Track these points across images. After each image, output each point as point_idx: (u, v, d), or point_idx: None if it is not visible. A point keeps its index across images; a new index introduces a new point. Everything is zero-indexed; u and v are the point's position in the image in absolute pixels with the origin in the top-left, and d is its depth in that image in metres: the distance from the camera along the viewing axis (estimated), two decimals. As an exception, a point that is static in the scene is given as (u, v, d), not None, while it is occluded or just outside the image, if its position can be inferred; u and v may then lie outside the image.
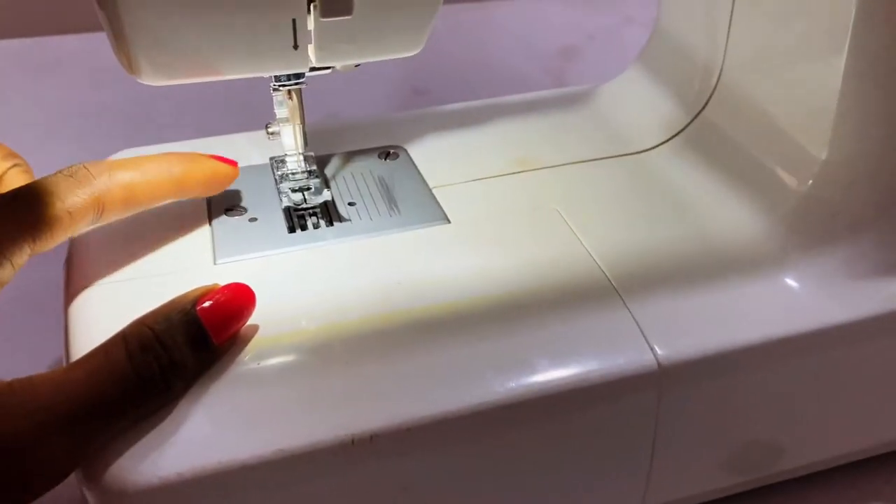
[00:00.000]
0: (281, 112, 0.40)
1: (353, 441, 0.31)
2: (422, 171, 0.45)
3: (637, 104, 0.50)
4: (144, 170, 0.36)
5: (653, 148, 0.47)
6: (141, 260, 0.38)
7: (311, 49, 0.35)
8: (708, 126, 0.46)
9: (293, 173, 0.41)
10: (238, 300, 0.33)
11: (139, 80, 0.34)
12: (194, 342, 0.31)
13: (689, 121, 0.47)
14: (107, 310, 0.36)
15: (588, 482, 0.37)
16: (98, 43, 0.87)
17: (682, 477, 0.39)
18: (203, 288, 0.33)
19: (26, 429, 0.27)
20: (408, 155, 0.46)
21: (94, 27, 0.89)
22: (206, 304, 0.32)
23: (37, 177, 0.37)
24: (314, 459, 0.31)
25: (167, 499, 0.30)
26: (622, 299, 0.37)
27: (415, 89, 0.82)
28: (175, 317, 0.31)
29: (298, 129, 0.40)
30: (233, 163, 0.39)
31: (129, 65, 0.33)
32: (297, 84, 0.38)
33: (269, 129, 0.41)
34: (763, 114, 0.42)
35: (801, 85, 0.40)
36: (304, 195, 0.41)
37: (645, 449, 0.37)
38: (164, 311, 0.31)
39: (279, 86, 0.38)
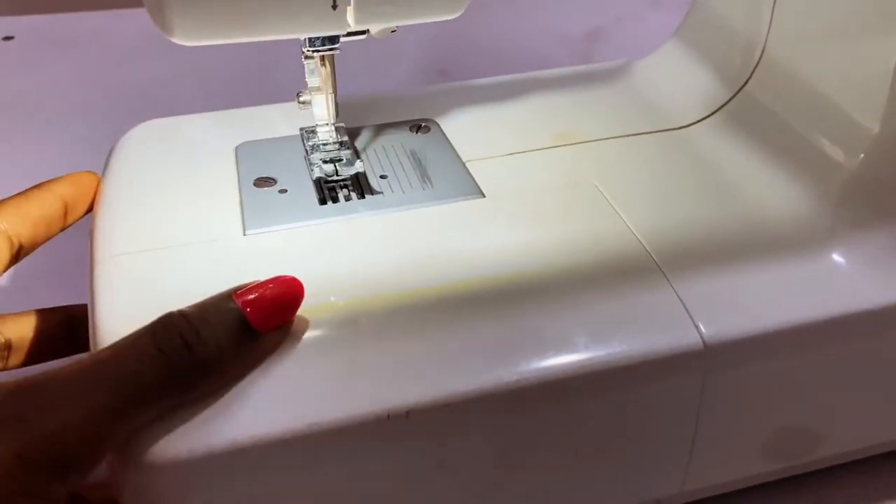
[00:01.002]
0: (312, 80, 0.39)
1: (388, 416, 0.30)
2: (454, 144, 0.43)
3: (676, 79, 0.48)
4: (25, 211, 0.37)
5: (692, 124, 0.45)
6: (168, 230, 0.37)
7: (349, 10, 0.33)
8: (750, 101, 0.44)
9: (324, 144, 0.40)
10: (284, 291, 0.31)
11: (172, 39, 0.32)
12: (231, 326, 0.30)
13: (730, 96, 0.45)
14: (132, 279, 0.35)
15: (627, 464, 0.36)
16: (116, 20, 0.87)
17: (723, 461, 0.38)
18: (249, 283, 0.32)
19: (68, 418, 0.26)
20: (440, 128, 0.45)
21: (112, 4, 0.88)
22: (250, 296, 0.30)
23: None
24: (348, 435, 0.30)
25: (200, 474, 0.29)
26: (666, 277, 0.36)
27: (440, 71, 0.80)
28: (209, 302, 0.30)
29: (331, 98, 0.39)
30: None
31: (163, 22, 0.32)
32: (330, 50, 0.37)
33: (301, 99, 0.40)
34: (810, 88, 0.41)
35: (853, 58, 0.39)
36: (335, 166, 0.40)
37: (687, 430, 0.35)
38: (201, 302, 0.30)
39: (312, 51, 0.37)
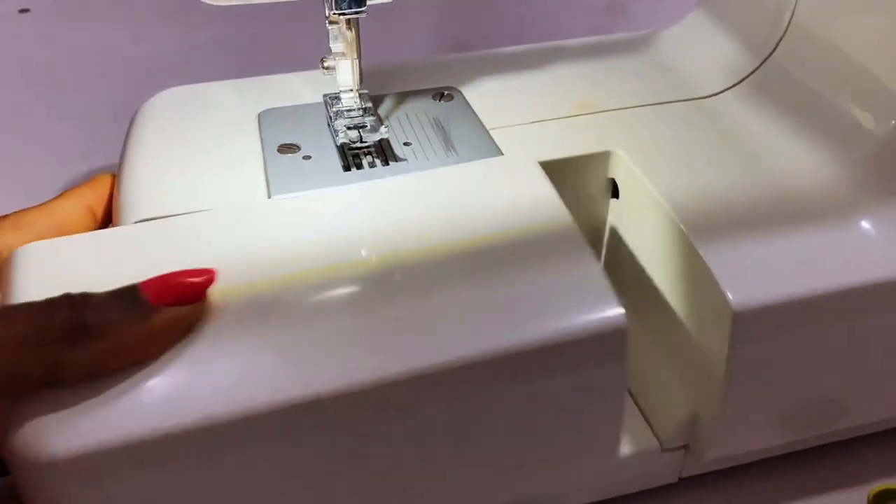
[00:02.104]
0: (337, 46, 0.39)
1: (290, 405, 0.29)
2: (478, 112, 0.43)
3: (701, 49, 0.48)
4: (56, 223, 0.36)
5: (718, 94, 0.45)
6: (193, 196, 0.37)
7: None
8: (778, 70, 0.44)
9: (348, 110, 0.40)
10: (188, 273, 0.30)
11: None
12: (119, 293, 0.29)
13: (757, 65, 0.45)
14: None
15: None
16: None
17: (747, 430, 0.38)
18: None
19: None
20: (462, 97, 0.44)
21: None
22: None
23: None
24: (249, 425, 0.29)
25: (99, 468, 0.27)
26: (693, 244, 0.35)
27: (458, 43, 0.80)
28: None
29: (355, 63, 0.39)
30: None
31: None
32: (357, 13, 0.37)
33: (325, 64, 0.39)
34: (840, 54, 0.40)
35: (885, 23, 0.38)
36: (359, 133, 0.39)
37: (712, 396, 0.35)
38: None
39: (339, 14, 0.36)
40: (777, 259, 0.35)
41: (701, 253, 0.35)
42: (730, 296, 0.33)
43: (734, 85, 0.45)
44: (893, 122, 0.37)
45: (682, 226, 0.36)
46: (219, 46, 0.77)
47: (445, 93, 0.44)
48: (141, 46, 0.78)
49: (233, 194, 0.37)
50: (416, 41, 0.79)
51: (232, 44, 0.77)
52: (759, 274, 0.35)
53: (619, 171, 0.40)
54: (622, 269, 0.43)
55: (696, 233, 0.36)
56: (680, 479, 0.40)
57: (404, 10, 0.74)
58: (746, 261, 0.35)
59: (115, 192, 0.39)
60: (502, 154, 0.40)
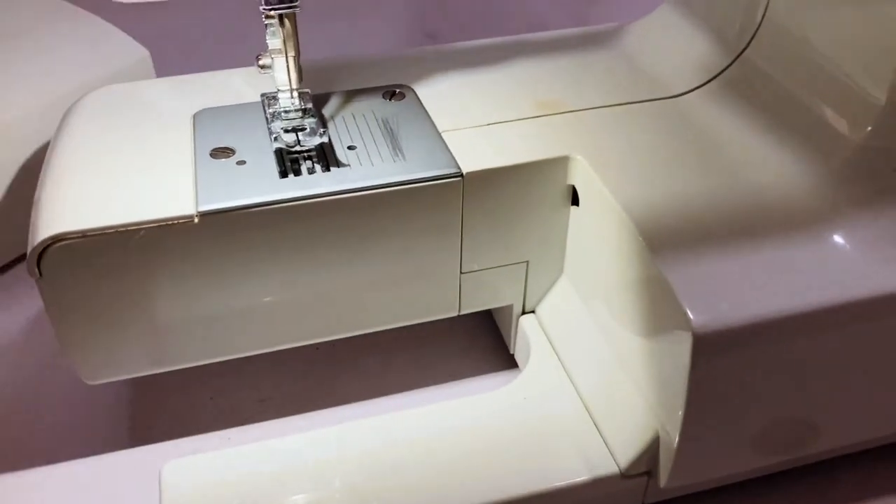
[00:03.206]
0: (273, 42, 0.36)
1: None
2: (430, 113, 0.40)
3: (670, 45, 0.45)
4: None
5: (687, 92, 0.42)
6: (114, 206, 0.34)
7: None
8: (750, 68, 0.41)
9: (286, 111, 0.37)
10: None
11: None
12: None
13: (728, 63, 0.42)
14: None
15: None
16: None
17: (711, 455, 0.35)
18: None
19: None
20: (415, 95, 0.41)
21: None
22: None
23: None
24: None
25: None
26: (654, 259, 0.33)
27: (427, 33, 0.77)
28: None
29: (292, 61, 0.36)
30: None
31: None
32: (290, 7, 0.34)
33: (260, 62, 0.36)
34: (814, 54, 0.38)
35: (861, 23, 0.35)
36: (297, 136, 0.37)
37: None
38: None
39: (270, 9, 0.34)
40: (744, 276, 0.33)
41: (661, 269, 0.32)
42: (691, 316, 0.31)
43: (705, 83, 0.42)
44: (869, 128, 0.35)
45: (641, 239, 0.34)
46: (176, 38, 0.73)
47: (397, 91, 0.42)
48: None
49: (155, 205, 0.34)
50: (382, 32, 0.76)
51: (190, 35, 0.74)
52: (724, 292, 0.32)
53: (579, 177, 0.38)
54: (584, 282, 0.40)
55: (657, 246, 0.33)
56: (642, 505, 0.38)
57: (371, 3, 0.71)
58: (711, 277, 0.32)
59: (35, 199, 0.36)
60: (455, 162, 0.37)
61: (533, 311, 0.43)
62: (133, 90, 0.42)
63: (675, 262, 0.33)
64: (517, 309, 0.43)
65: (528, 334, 0.42)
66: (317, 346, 0.44)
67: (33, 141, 0.50)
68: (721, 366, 0.32)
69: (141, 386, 0.44)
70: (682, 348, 0.32)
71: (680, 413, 0.33)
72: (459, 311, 0.41)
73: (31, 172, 0.50)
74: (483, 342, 0.47)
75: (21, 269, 0.52)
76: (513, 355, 0.45)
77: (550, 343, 0.41)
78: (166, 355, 0.38)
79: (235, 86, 0.42)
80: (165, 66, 0.58)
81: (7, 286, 0.51)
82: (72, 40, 0.54)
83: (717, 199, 0.36)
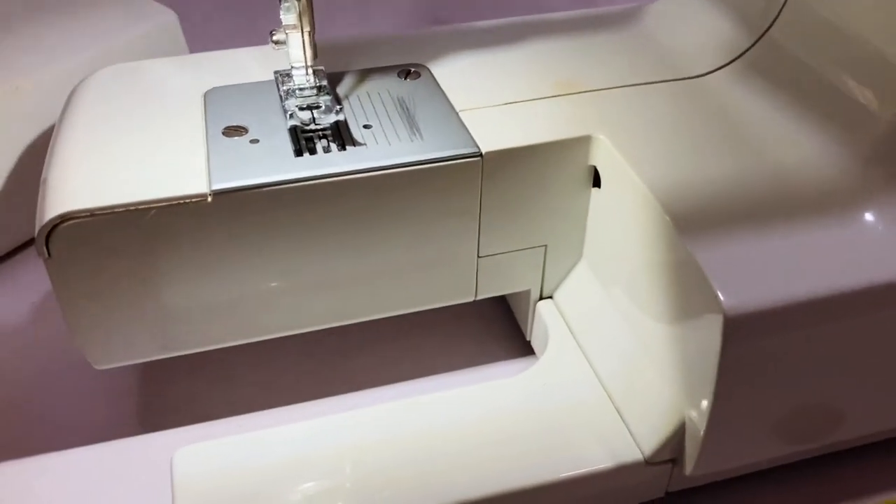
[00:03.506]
0: (288, 18, 0.35)
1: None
2: (447, 92, 0.39)
3: (690, 25, 0.44)
4: None
5: (709, 73, 0.41)
6: (125, 183, 0.33)
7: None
8: (774, 48, 0.40)
9: (300, 89, 0.36)
10: None
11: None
12: None
13: (751, 42, 0.41)
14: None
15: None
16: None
17: (738, 442, 0.34)
18: None
19: None
20: (431, 74, 0.40)
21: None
22: None
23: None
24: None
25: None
26: (682, 240, 0.32)
27: (437, 19, 0.75)
28: None
29: (307, 36, 0.35)
30: None
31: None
32: (306, -20, 0.33)
33: (274, 38, 0.35)
34: (842, 31, 0.37)
35: (892, -3, 0.34)
36: (312, 114, 0.36)
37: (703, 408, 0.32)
38: None
39: (285, -20, 0.33)
40: (773, 257, 0.32)
41: (690, 249, 0.31)
42: (722, 298, 0.30)
43: (727, 64, 0.41)
44: (902, 104, 0.34)
45: (669, 219, 0.33)
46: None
47: (412, 70, 0.40)
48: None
49: (167, 184, 0.33)
50: (390, 16, 0.75)
51: (197, 15, 0.73)
52: (754, 274, 0.31)
53: (601, 157, 0.37)
54: (605, 266, 0.39)
55: (684, 227, 0.32)
56: (667, 493, 0.37)
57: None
58: (741, 259, 0.32)
59: (41, 180, 0.35)
60: (473, 141, 0.36)
61: (550, 297, 0.42)
62: (140, 69, 0.41)
63: (704, 243, 0.32)
64: (534, 294, 0.42)
65: (545, 320, 0.41)
66: (328, 332, 0.43)
67: (52, 109, 0.49)
68: (751, 349, 0.31)
69: (149, 372, 0.43)
70: (711, 331, 0.31)
71: (708, 398, 0.32)
72: (476, 295, 0.40)
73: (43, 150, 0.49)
74: (497, 328, 0.46)
75: (27, 254, 0.51)
76: (528, 342, 0.44)
77: (569, 329, 0.40)
78: (176, 339, 0.37)
79: (244, 64, 0.41)
80: (193, 30, 0.57)
81: (13, 271, 0.50)
82: (98, 4, 0.53)
83: (745, 179, 0.35)
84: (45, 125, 0.49)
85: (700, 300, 0.31)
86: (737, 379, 0.32)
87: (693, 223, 0.32)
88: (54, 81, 0.49)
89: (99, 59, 0.51)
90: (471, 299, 0.41)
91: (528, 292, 0.42)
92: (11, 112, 0.48)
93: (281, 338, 0.39)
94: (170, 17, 0.53)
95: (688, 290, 0.32)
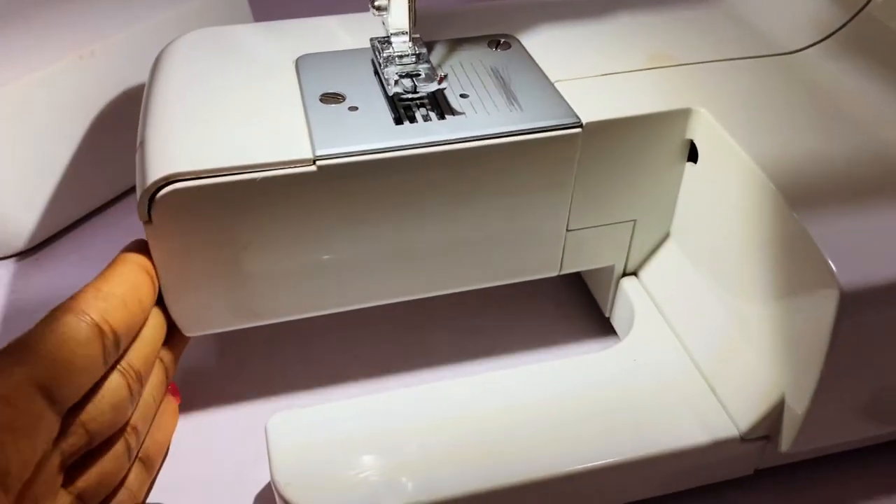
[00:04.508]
0: (390, -18, 0.34)
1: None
2: (539, 63, 0.39)
3: (780, 1, 0.43)
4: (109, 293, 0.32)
5: (803, 49, 0.41)
6: (227, 146, 0.33)
7: None
8: (872, 24, 0.39)
9: (401, 56, 0.36)
10: None
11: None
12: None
13: (847, 19, 0.40)
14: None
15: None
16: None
17: (837, 421, 0.34)
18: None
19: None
20: (521, 45, 0.40)
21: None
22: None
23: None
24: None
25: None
26: (793, 213, 0.31)
27: None
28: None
29: (410, 2, 0.34)
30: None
31: None
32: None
33: (376, 3, 0.35)
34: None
35: None
36: (414, 81, 0.35)
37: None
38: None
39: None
40: (886, 233, 0.31)
41: (803, 223, 0.31)
42: (837, 273, 0.30)
43: (820, 41, 0.41)
44: None
45: (778, 192, 0.32)
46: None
47: (502, 41, 0.40)
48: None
49: (270, 148, 0.33)
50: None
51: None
52: (868, 249, 0.31)
53: (701, 131, 0.36)
54: (696, 241, 0.39)
55: (795, 200, 0.32)
56: (756, 471, 0.37)
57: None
58: (852, 234, 0.31)
59: (139, 143, 0.35)
60: (573, 111, 0.35)
61: (633, 274, 0.42)
62: (226, 33, 0.41)
63: (815, 216, 0.31)
64: (618, 270, 0.42)
65: (630, 297, 0.41)
66: (402, 305, 0.43)
67: (124, 73, 0.49)
68: (864, 325, 0.31)
69: (229, 342, 0.43)
70: (823, 307, 0.30)
71: (814, 375, 0.31)
72: (560, 270, 0.40)
73: (117, 114, 0.49)
74: (570, 305, 0.46)
75: (96, 221, 0.51)
76: (606, 319, 0.44)
77: (656, 305, 0.40)
78: (264, 307, 0.37)
79: (332, 31, 0.41)
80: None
81: (80, 241, 0.49)
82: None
83: (851, 155, 0.34)
84: (118, 90, 0.49)
85: (811, 275, 0.31)
86: (846, 356, 0.31)
87: (803, 197, 0.32)
88: (126, 46, 0.49)
89: (165, 25, 0.51)
90: (554, 274, 0.40)
91: (610, 269, 0.42)
92: (86, 76, 0.48)
93: (356, 311, 0.39)
94: None
95: (796, 265, 0.32)
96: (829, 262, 0.30)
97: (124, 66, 0.49)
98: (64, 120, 0.48)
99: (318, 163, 0.32)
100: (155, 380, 0.35)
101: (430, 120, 0.35)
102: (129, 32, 0.49)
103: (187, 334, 0.36)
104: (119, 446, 0.32)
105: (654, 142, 0.37)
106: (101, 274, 0.33)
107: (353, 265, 0.36)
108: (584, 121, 0.35)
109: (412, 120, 0.35)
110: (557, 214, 0.38)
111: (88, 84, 0.48)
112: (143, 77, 0.39)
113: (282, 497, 0.32)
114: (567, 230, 0.39)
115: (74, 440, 0.30)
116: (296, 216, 0.34)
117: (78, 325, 0.30)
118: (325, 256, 0.35)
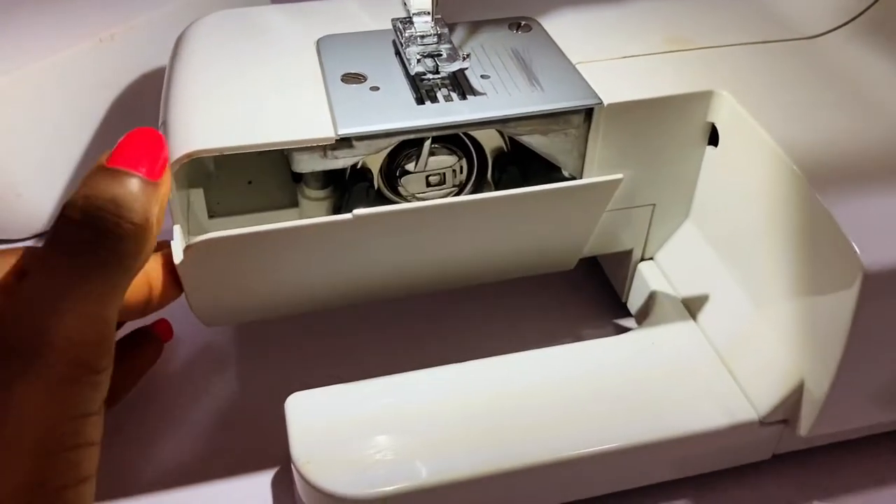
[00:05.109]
0: (413, -38, 0.34)
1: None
2: (560, 45, 0.39)
3: (801, -15, 0.43)
4: None
5: (824, 33, 0.40)
6: (250, 125, 0.33)
7: None
8: (894, 8, 0.39)
9: (422, 36, 0.36)
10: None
11: None
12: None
13: (869, 3, 0.40)
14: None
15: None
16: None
17: (858, 405, 0.34)
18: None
19: None
20: (541, 28, 0.40)
21: None
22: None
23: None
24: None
25: None
26: (816, 195, 0.31)
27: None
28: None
29: (435, -19, 0.34)
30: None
31: None
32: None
33: (398, -17, 0.35)
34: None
35: None
36: (436, 61, 0.35)
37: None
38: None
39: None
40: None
41: (826, 205, 0.31)
42: (860, 253, 0.30)
43: (842, 25, 0.40)
44: None
45: (802, 174, 0.32)
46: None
47: (522, 23, 0.40)
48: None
49: (293, 126, 0.33)
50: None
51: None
52: (893, 231, 0.31)
53: (723, 114, 0.36)
54: (715, 225, 0.39)
55: (818, 182, 0.32)
56: (774, 455, 0.37)
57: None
58: (876, 216, 0.31)
59: (161, 123, 0.35)
60: (594, 92, 0.35)
61: (651, 258, 0.42)
62: (247, 15, 0.41)
63: (838, 199, 0.31)
64: (636, 254, 0.42)
65: (648, 281, 0.41)
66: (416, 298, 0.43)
67: (145, 56, 0.49)
68: (887, 308, 0.31)
69: (246, 332, 0.44)
70: (846, 289, 0.30)
71: (835, 358, 0.31)
72: (580, 254, 0.40)
73: (138, 98, 0.49)
74: (585, 290, 0.46)
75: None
76: (624, 304, 0.44)
77: (674, 289, 0.40)
78: (287, 299, 0.36)
79: (351, 13, 0.41)
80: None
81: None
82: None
83: (873, 137, 0.34)
84: (138, 73, 0.49)
85: (834, 257, 0.31)
86: (867, 339, 0.31)
87: (825, 179, 0.32)
88: (147, 29, 0.49)
89: (186, 9, 0.51)
90: (576, 261, 0.40)
91: (627, 253, 0.42)
92: (106, 60, 0.48)
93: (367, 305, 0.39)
94: None
95: (819, 247, 0.32)
96: (853, 243, 0.30)
97: (145, 50, 0.49)
98: (84, 103, 0.48)
99: (339, 141, 0.32)
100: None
101: (452, 100, 0.35)
102: (149, 16, 0.49)
103: (207, 325, 0.36)
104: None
105: (676, 124, 0.37)
106: None
107: (374, 253, 0.36)
108: (605, 102, 0.35)
109: (434, 100, 0.35)
110: (577, 197, 0.38)
111: (109, 67, 0.48)
112: (163, 61, 0.39)
113: (301, 475, 0.32)
114: (586, 213, 0.38)
115: None
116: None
117: None
118: (348, 242, 0.35)
